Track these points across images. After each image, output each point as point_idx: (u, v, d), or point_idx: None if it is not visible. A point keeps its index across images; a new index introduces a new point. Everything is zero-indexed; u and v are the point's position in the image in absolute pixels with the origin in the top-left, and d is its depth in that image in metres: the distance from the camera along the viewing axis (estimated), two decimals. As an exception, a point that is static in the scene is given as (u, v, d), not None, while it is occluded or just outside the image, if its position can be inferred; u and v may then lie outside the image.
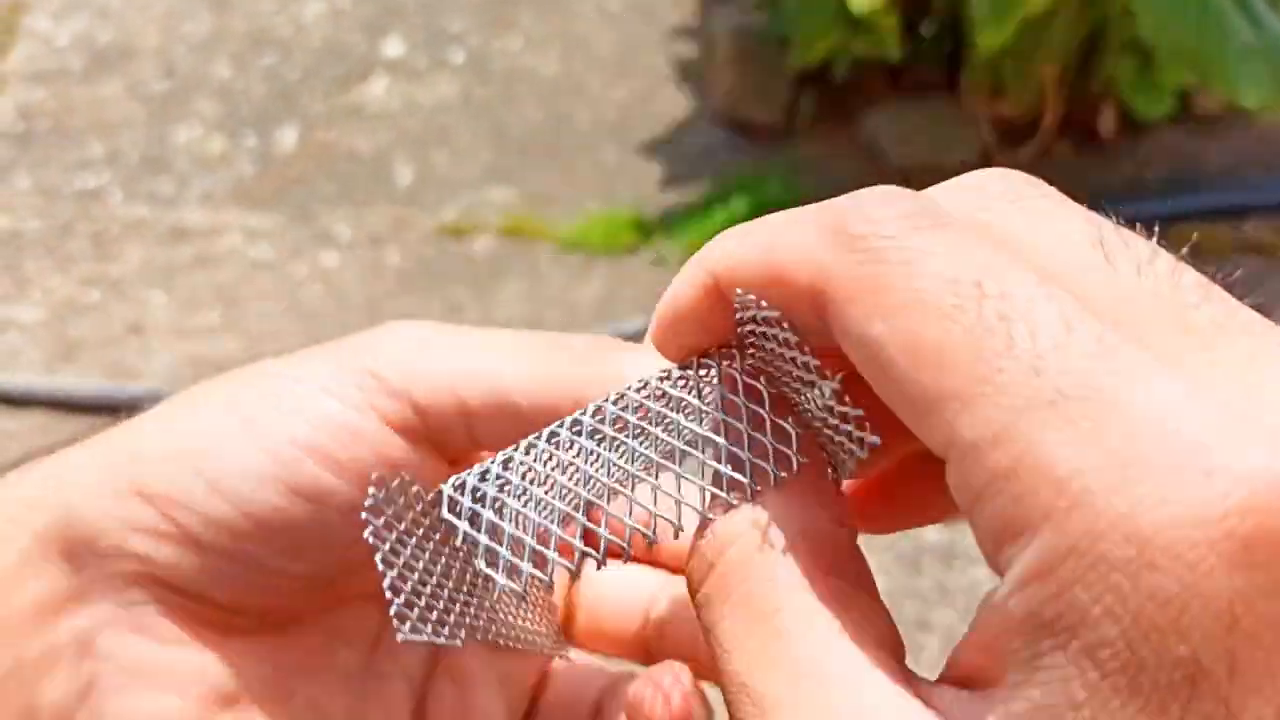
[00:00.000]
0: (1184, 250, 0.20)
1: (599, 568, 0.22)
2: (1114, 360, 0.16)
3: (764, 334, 0.22)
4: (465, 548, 0.23)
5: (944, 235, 0.18)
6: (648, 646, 0.31)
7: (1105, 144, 1.77)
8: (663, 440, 0.23)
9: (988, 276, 0.17)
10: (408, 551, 0.23)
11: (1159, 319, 0.18)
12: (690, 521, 0.22)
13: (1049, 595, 0.16)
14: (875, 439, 0.20)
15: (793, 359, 0.21)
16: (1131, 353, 0.17)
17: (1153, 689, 0.16)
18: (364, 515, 0.22)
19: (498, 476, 0.23)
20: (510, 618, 0.28)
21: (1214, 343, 0.17)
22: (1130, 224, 0.20)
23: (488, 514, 0.22)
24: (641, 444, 0.23)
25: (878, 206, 0.19)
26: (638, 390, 0.24)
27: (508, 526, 0.22)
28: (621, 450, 0.24)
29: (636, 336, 0.29)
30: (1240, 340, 0.18)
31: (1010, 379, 0.17)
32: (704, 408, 0.23)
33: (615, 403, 0.24)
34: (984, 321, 0.17)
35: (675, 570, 0.31)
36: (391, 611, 0.22)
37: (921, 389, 0.17)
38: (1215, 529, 0.15)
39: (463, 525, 0.22)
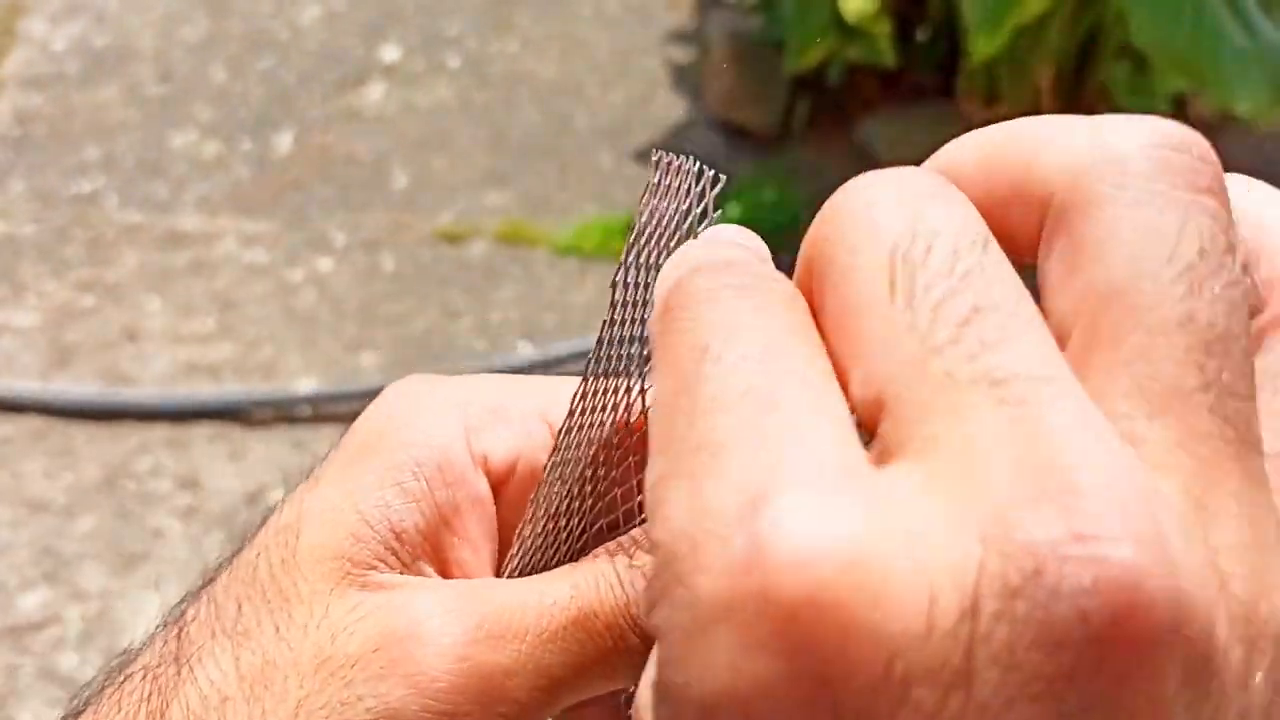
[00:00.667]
0: None
1: None
2: (713, 428, 0.19)
3: None
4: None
5: (724, 305, 0.20)
6: None
7: (1100, 149, 1.77)
8: None
9: (715, 343, 0.20)
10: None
11: (907, 364, 0.19)
12: None
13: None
14: None
15: None
16: (725, 422, 0.19)
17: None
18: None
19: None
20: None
21: (931, 409, 0.18)
22: None
23: None
24: None
25: (702, 277, 0.21)
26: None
27: None
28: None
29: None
30: (969, 401, 0.18)
31: (674, 438, 0.19)
32: None
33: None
34: (686, 381, 0.20)
35: None
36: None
37: (653, 436, 0.20)
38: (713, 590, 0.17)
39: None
